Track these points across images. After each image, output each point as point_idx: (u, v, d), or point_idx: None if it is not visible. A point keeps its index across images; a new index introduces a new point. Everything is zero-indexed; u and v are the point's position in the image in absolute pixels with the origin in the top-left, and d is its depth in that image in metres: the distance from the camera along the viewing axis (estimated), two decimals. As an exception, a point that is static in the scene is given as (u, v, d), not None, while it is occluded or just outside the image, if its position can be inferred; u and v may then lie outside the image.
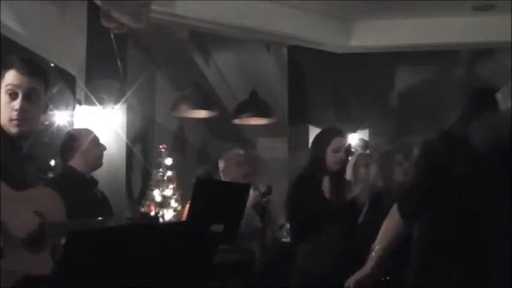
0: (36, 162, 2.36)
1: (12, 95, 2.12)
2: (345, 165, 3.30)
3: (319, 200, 3.18)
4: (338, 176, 3.28)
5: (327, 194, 3.21)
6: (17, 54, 2.26)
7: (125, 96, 4.70)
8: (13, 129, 2.13)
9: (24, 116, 2.13)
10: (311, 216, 3.13)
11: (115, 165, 4.59)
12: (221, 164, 4.22)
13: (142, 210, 2.71)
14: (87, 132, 3.32)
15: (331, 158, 3.25)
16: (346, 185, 3.30)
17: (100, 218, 2.35)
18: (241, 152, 4.34)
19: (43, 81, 2.21)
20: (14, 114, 2.12)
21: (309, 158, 3.38)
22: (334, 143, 3.27)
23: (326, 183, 3.24)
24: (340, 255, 3.07)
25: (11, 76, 2.13)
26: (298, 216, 3.28)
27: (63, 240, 1.83)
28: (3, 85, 2.13)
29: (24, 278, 1.95)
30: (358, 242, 2.98)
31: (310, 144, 3.55)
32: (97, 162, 3.19)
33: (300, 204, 3.21)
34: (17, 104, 2.11)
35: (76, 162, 3.12)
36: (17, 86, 2.12)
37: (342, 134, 3.36)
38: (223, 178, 4.13)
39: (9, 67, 2.14)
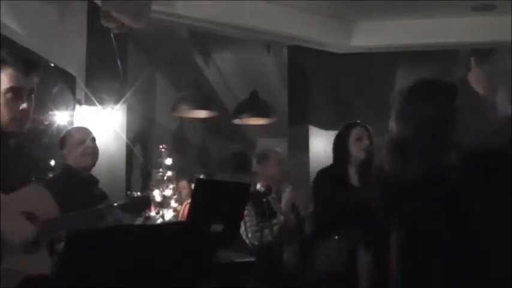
0: (26, 161, 2.37)
1: (15, 95, 2.14)
2: (371, 153, 3.27)
3: (346, 190, 3.15)
4: (365, 165, 3.23)
5: (354, 184, 3.20)
6: (9, 53, 2.26)
7: (125, 97, 4.70)
8: (15, 128, 2.16)
9: (27, 115, 2.17)
10: (337, 209, 3.08)
11: (115, 165, 4.59)
12: (260, 162, 4.17)
13: (134, 194, 2.70)
14: (78, 130, 3.34)
15: (354, 147, 3.25)
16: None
17: (91, 208, 2.36)
18: (279, 150, 4.33)
19: (38, 78, 2.24)
20: (18, 113, 2.14)
21: (333, 153, 3.37)
22: (354, 133, 3.30)
23: (353, 174, 3.24)
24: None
25: (10, 76, 2.14)
26: (324, 210, 3.23)
27: (62, 240, 1.83)
28: (2, 86, 2.14)
29: (24, 279, 1.95)
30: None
31: (332, 143, 3.50)
32: (87, 160, 3.16)
33: (326, 196, 3.19)
34: (21, 103, 2.15)
35: (72, 161, 3.13)
36: (19, 86, 2.14)
37: (360, 125, 3.38)
38: (261, 176, 4.08)
39: (5, 66, 2.15)
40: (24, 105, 2.15)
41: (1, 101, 2.13)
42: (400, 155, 2.09)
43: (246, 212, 3.52)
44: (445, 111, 2.09)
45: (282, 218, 3.84)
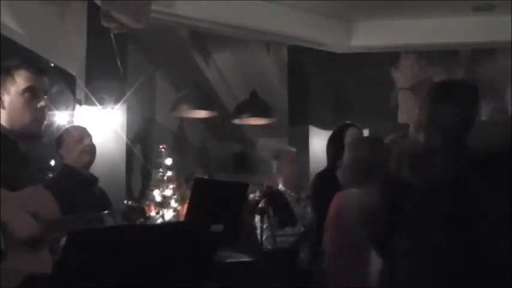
0: (33, 162, 2.39)
1: (32, 94, 2.20)
2: None
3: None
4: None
5: None
6: (21, 55, 2.32)
7: (125, 97, 4.70)
8: (34, 129, 2.22)
9: (44, 115, 2.24)
10: None
11: (115, 165, 4.59)
12: (276, 163, 4.21)
13: (130, 203, 2.72)
14: (75, 128, 3.34)
15: None
16: None
17: (91, 213, 2.37)
18: (294, 149, 4.38)
19: (49, 81, 2.31)
20: (37, 112, 2.20)
21: (327, 154, 3.38)
22: (349, 133, 3.30)
23: None
24: None
25: (25, 78, 2.20)
26: (322, 209, 3.24)
27: (62, 240, 1.83)
28: (19, 87, 2.19)
29: (25, 278, 1.96)
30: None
31: (326, 143, 3.51)
32: (85, 158, 3.15)
33: (323, 197, 3.20)
34: (42, 102, 2.21)
35: (70, 160, 3.13)
36: (35, 86, 2.20)
37: (353, 125, 3.39)
38: (278, 176, 4.15)
39: (18, 69, 2.20)
40: (42, 103, 2.21)
41: (20, 102, 2.18)
42: (420, 158, 2.07)
43: (262, 214, 3.52)
44: (470, 113, 2.08)
45: (301, 228, 3.84)
